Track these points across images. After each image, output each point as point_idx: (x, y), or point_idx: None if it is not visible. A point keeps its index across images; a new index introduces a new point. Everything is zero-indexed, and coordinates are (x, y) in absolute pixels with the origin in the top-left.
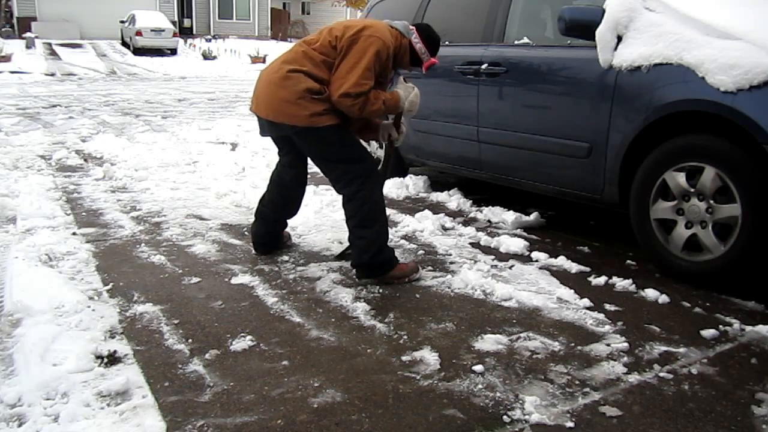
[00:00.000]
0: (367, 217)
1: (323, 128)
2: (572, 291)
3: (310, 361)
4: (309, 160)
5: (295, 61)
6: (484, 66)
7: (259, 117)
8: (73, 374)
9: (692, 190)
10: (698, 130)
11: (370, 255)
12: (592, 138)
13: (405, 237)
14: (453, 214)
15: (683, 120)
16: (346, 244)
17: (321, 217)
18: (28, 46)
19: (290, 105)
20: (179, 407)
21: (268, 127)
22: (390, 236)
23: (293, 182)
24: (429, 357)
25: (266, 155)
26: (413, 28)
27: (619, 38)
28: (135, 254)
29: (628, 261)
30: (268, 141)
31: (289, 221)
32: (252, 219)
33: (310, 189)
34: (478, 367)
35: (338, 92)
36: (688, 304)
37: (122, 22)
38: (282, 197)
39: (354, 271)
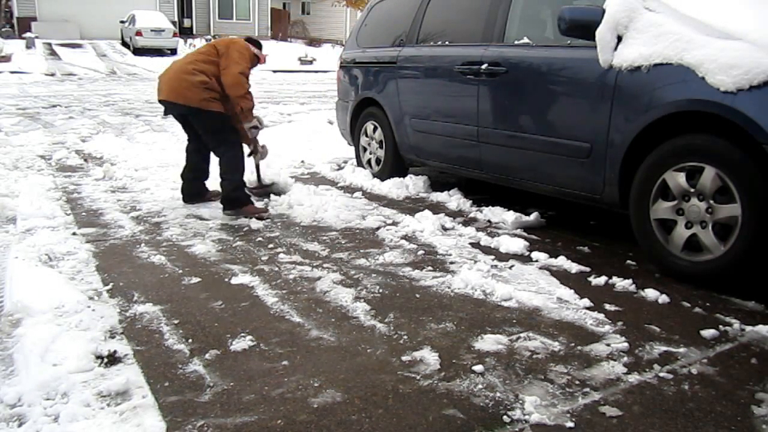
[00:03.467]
0: (232, 167)
1: (210, 111)
2: (572, 291)
3: (310, 361)
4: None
5: (196, 63)
6: (484, 66)
7: (164, 102)
8: (73, 374)
9: (692, 190)
10: (698, 130)
11: (231, 189)
12: (592, 138)
13: (405, 237)
14: (453, 214)
15: (683, 120)
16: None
17: (321, 216)
18: (28, 46)
19: (187, 90)
20: (179, 407)
21: (169, 107)
22: (389, 236)
23: (195, 152)
24: (429, 357)
25: None
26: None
27: (619, 38)
28: (135, 254)
29: (628, 261)
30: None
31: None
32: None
33: (310, 189)
34: (478, 367)
35: (238, 69)
36: (688, 304)
37: (122, 22)
38: (189, 163)
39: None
